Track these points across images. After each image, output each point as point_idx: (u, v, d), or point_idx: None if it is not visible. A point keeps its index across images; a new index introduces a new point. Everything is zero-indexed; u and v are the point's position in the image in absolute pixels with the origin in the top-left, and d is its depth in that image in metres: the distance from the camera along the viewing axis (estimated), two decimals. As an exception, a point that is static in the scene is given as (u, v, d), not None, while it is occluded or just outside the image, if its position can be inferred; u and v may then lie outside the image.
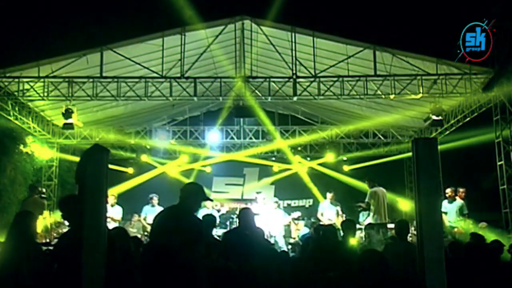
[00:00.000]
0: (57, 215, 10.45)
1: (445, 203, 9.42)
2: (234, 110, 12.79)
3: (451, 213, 9.43)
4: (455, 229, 9.27)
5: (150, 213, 10.12)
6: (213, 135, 13.96)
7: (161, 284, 3.54)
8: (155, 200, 10.64)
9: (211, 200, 7.63)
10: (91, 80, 10.53)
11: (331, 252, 5.27)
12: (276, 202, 11.22)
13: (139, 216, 10.93)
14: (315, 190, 14.76)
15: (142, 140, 14.18)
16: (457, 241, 7.64)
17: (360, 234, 10.03)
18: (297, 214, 11.50)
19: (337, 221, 10.04)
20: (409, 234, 6.97)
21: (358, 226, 9.57)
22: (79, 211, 2.67)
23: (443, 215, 9.10)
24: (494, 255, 5.63)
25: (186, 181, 12.29)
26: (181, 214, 3.79)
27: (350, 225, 6.54)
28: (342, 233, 6.54)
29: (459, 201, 9.53)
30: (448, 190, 9.58)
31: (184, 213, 3.82)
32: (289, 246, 10.54)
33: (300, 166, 15.29)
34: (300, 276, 5.15)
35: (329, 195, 11.10)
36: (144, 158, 14.65)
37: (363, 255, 4.23)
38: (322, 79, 10.62)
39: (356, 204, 10.45)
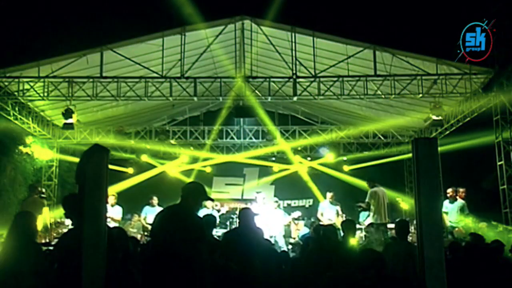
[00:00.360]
0: (57, 215, 10.46)
1: (446, 203, 9.46)
2: (234, 110, 12.80)
3: (452, 213, 9.45)
4: (456, 229, 9.29)
5: (150, 213, 10.15)
6: None
7: (162, 284, 3.52)
8: (155, 200, 10.67)
9: (212, 200, 7.62)
10: (91, 80, 10.53)
11: (331, 252, 5.27)
12: (276, 202, 11.20)
13: (139, 216, 10.94)
14: (315, 190, 14.78)
15: (142, 140, 14.20)
16: (457, 241, 7.66)
17: (360, 234, 10.05)
18: (297, 214, 11.48)
19: (337, 221, 10.03)
20: (409, 234, 6.96)
21: (358, 226, 9.59)
22: (81, 210, 2.67)
23: (444, 215, 9.11)
24: (494, 255, 5.63)
25: (187, 180, 12.29)
26: (182, 213, 3.78)
27: (350, 225, 6.54)
28: (342, 233, 6.54)
29: (460, 201, 9.55)
30: (449, 190, 9.62)
31: (185, 212, 3.80)
32: (289, 246, 10.53)
33: (300, 166, 15.30)
34: (300, 276, 5.16)
35: (329, 195, 11.08)
36: (144, 158, 14.67)
37: (361, 254, 4.25)
38: (322, 79, 10.62)
39: (356, 204, 10.45)
